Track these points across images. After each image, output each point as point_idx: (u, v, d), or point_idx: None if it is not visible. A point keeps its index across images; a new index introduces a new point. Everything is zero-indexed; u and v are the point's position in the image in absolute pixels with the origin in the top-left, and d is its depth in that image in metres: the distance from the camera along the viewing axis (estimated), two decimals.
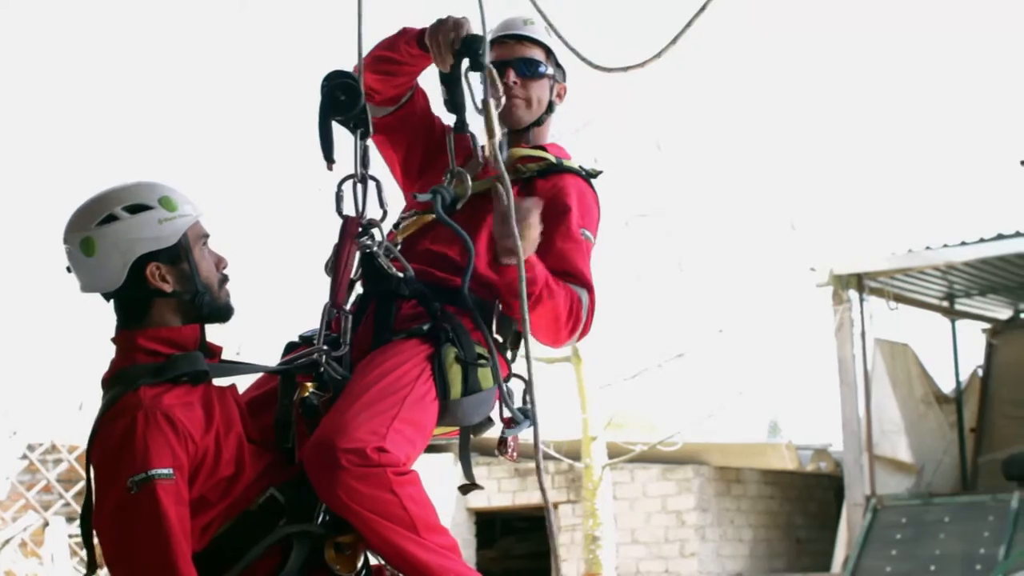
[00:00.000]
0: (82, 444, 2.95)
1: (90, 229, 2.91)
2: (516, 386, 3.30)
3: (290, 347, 3.25)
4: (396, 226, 3.38)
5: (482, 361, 3.09)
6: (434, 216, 3.23)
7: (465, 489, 3.28)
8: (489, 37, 3.31)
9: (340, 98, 3.13)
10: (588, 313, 3.24)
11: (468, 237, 3.14)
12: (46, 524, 11.73)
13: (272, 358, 3.29)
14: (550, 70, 3.41)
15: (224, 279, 3.06)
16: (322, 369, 3.04)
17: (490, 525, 14.09)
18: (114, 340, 3.01)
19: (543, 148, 3.44)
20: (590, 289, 3.26)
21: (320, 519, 2.92)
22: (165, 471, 2.75)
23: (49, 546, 11.54)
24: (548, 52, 3.43)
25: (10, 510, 11.90)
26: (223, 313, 3.05)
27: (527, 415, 3.20)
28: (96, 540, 2.88)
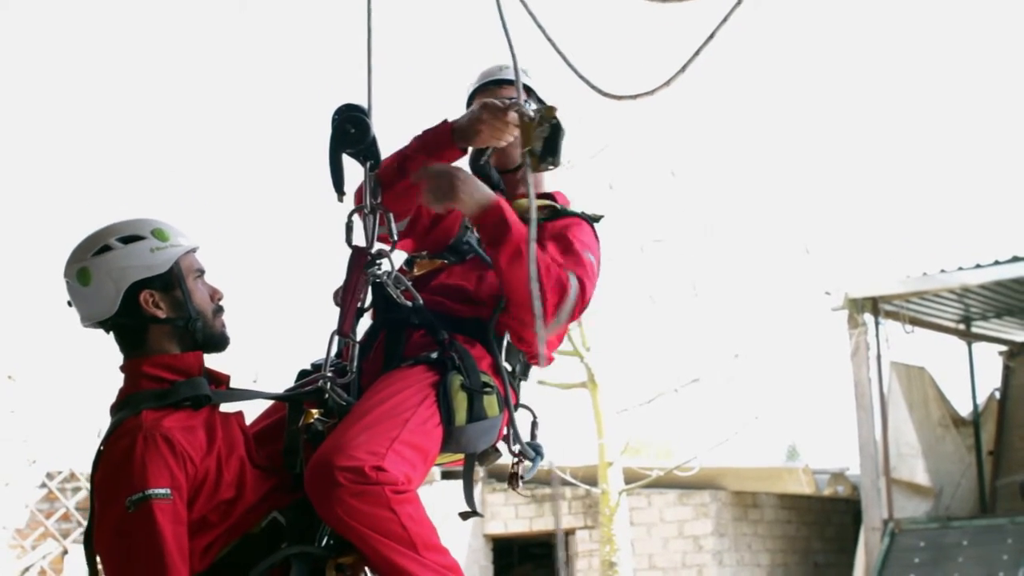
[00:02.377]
0: None
1: (86, 260, 3.04)
2: (528, 418, 3.33)
3: (302, 375, 3.30)
4: (409, 264, 3.44)
5: (487, 389, 3.11)
6: (446, 261, 3.33)
7: (465, 516, 3.30)
8: (471, 88, 3.48)
9: (350, 131, 3.16)
10: (578, 293, 3.19)
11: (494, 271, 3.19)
12: (65, 552, 11.76)
13: (288, 387, 3.34)
14: (534, 106, 3.45)
15: (219, 309, 3.14)
16: (327, 396, 3.08)
17: (507, 551, 14.07)
18: (122, 369, 3.09)
19: (551, 196, 3.51)
20: (583, 277, 3.23)
21: (324, 541, 2.96)
22: (162, 491, 2.82)
23: (68, 574, 11.57)
24: (529, 91, 3.49)
25: (29, 538, 11.94)
26: (218, 341, 3.13)
27: (537, 450, 3.24)
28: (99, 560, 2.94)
